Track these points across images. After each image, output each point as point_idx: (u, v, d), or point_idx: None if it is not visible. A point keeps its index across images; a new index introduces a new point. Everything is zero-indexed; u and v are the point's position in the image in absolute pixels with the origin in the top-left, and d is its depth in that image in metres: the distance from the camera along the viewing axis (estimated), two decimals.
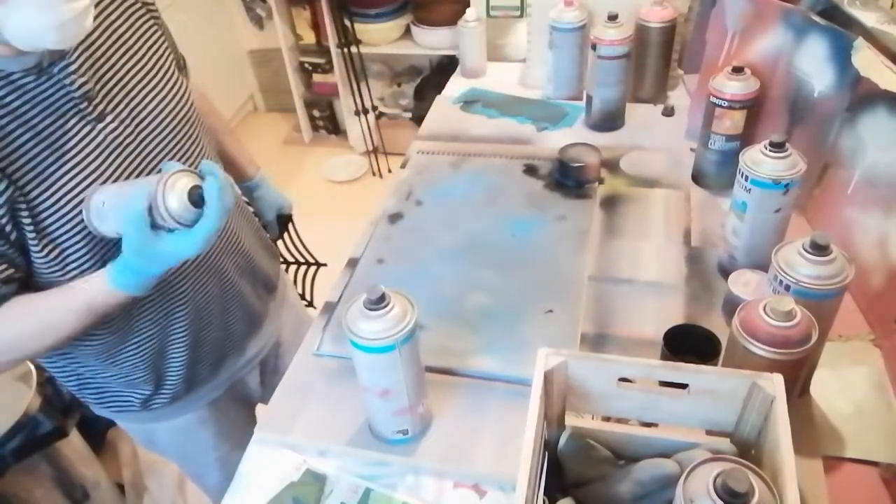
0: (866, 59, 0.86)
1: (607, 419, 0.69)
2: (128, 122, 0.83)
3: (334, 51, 2.80)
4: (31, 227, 0.75)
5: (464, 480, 0.75)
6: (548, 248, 1.04)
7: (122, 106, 0.82)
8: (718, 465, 0.50)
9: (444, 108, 1.46)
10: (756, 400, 0.57)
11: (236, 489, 0.77)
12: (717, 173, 1.11)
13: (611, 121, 1.31)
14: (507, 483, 0.73)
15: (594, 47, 1.23)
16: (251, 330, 1.08)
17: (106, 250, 0.81)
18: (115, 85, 0.82)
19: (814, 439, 0.75)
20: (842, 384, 0.81)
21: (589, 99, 1.31)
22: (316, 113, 3.21)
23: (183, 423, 1.06)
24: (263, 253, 1.11)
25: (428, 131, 1.38)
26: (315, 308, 1.27)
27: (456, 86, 1.55)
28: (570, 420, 0.65)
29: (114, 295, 0.76)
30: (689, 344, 0.77)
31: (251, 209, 1.17)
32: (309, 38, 2.95)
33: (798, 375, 0.71)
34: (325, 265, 1.36)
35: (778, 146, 0.81)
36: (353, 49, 2.70)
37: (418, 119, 2.54)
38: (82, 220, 0.77)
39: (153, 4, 0.91)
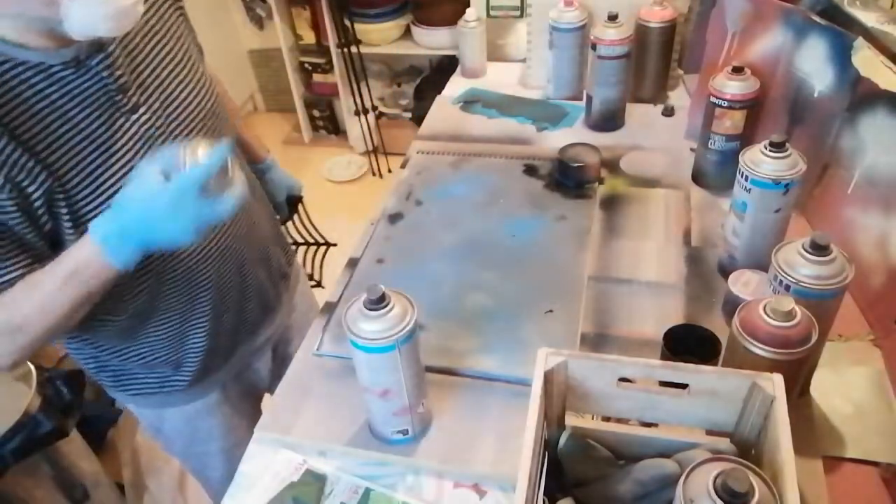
0: (866, 59, 0.86)
1: (607, 419, 0.69)
2: (159, 112, 0.85)
3: (334, 51, 2.80)
4: (68, 218, 0.77)
5: (464, 480, 0.75)
6: (548, 248, 1.04)
7: (154, 97, 0.84)
8: (718, 465, 0.50)
9: (444, 108, 1.46)
10: (756, 400, 0.57)
11: (236, 489, 0.77)
12: (717, 173, 1.11)
13: (611, 121, 1.31)
14: (507, 483, 0.73)
15: (594, 47, 1.23)
16: (265, 317, 1.10)
17: None
18: (149, 76, 0.84)
19: (814, 439, 0.75)
20: (842, 384, 0.81)
21: (589, 99, 1.31)
22: (316, 113, 3.21)
23: (193, 409, 1.08)
24: (277, 241, 1.14)
25: (428, 131, 1.38)
26: (324, 287, 1.31)
27: (456, 86, 1.55)
28: (570, 420, 0.65)
29: (96, 254, 0.73)
30: (689, 344, 0.77)
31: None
32: (309, 38, 2.95)
33: (798, 375, 0.71)
34: (335, 245, 1.40)
35: (778, 146, 0.81)
36: (353, 49, 2.70)
37: (418, 119, 2.53)
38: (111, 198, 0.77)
39: None
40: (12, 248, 0.75)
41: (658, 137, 1.28)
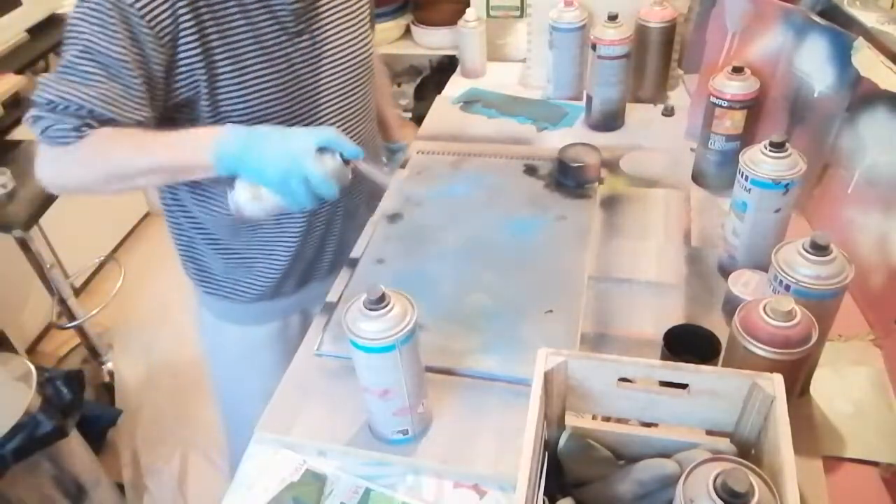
0: (866, 59, 0.86)
1: (607, 419, 0.69)
2: (318, 47, 0.96)
3: None
4: (207, 103, 0.88)
5: (464, 480, 0.75)
6: (548, 248, 1.04)
7: (317, 33, 0.95)
8: (718, 465, 0.50)
9: (444, 108, 1.46)
10: (756, 400, 0.57)
11: (236, 489, 0.77)
12: (717, 173, 1.11)
13: (611, 121, 1.31)
14: (507, 483, 0.73)
15: (594, 47, 1.23)
16: (335, 269, 1.14)
17: None
18: (322, 13, 0.96)
19: (814, 439, 0.75)
20: (842, 384, 0.81)
21: (589, 99, 1.31)
22: None
23: (252, 335, 1.15)
24: (368, 206, 1.18)
25: (428, 131, 1.38)
26: None
27: (456, 86, 1.55)
28: (570, 420, 0.65)
29: (203, 149, 0.80)
30: (689, 344, 0.77)
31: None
32: None
33: (798, 375, 0.71)
34: None
35: (778, 146, 0.81)
36: None
37: (418, 119, 2.54)
38: (252, 109, 0.90)
39: None
40: (144, 97, 0.82)
41: (658, 137, 1.28)
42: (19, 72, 1.99)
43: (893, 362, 0.82)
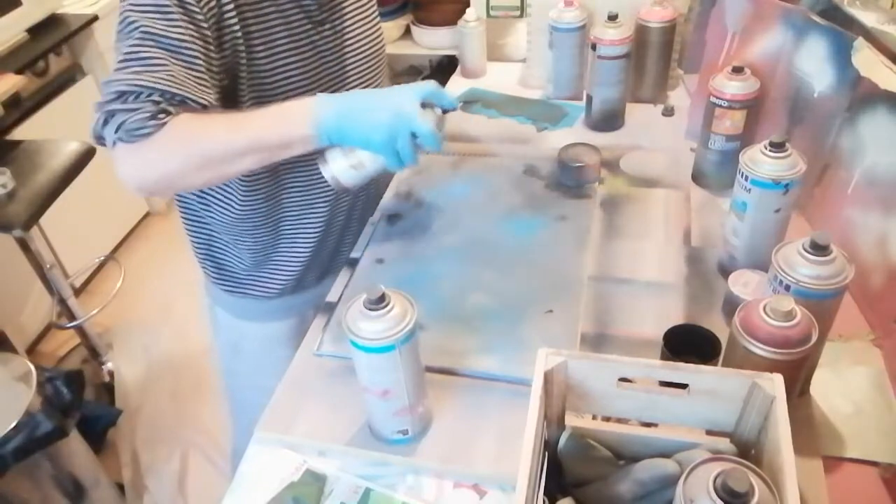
0: (866, 59, 0.86)
1: (607, 419, 0.69)
2: (339, 36, 0.98)
3: None
4: (245, 79, 0.87)
5: (464, 480, 0.75)
6: (548, 248, 1.04)
7: (338, 22, 0.97)
8: (718, 465, 0.50)
9: None
10: (756, 400, 0.57)
11: (236, 489, 0.77)
12: (717, 173, 1.11)
13: (611, 121, 1.31)
14: (507, 483, 0.73)
15: (594, 47, 1.23)
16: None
17: None
18: (342, 4, 0.98)
19: (814, 439, 0.75)
20: (842, 384, 0.81)
21: (589, 99, 1.31)
22: None
23: (271, 332, 1.14)
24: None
25: None
26: None
27: (456, 86, 1.55)
28: (570, 420, 0.65)
29: (300, 121, 0.80)
30: (689, 344, 0.77)
31: None
32: None
33: (798, 375, 0.71)
34: None
35: (778, 146, 0.81)
36: None
37: None
38: (282, 98, 0.90)
39: None
40: (207, 80, 0.81)
41: (658, 137, 1.28)
42: (19, 72, 2.00)
43: (893, 362, 0.82)
